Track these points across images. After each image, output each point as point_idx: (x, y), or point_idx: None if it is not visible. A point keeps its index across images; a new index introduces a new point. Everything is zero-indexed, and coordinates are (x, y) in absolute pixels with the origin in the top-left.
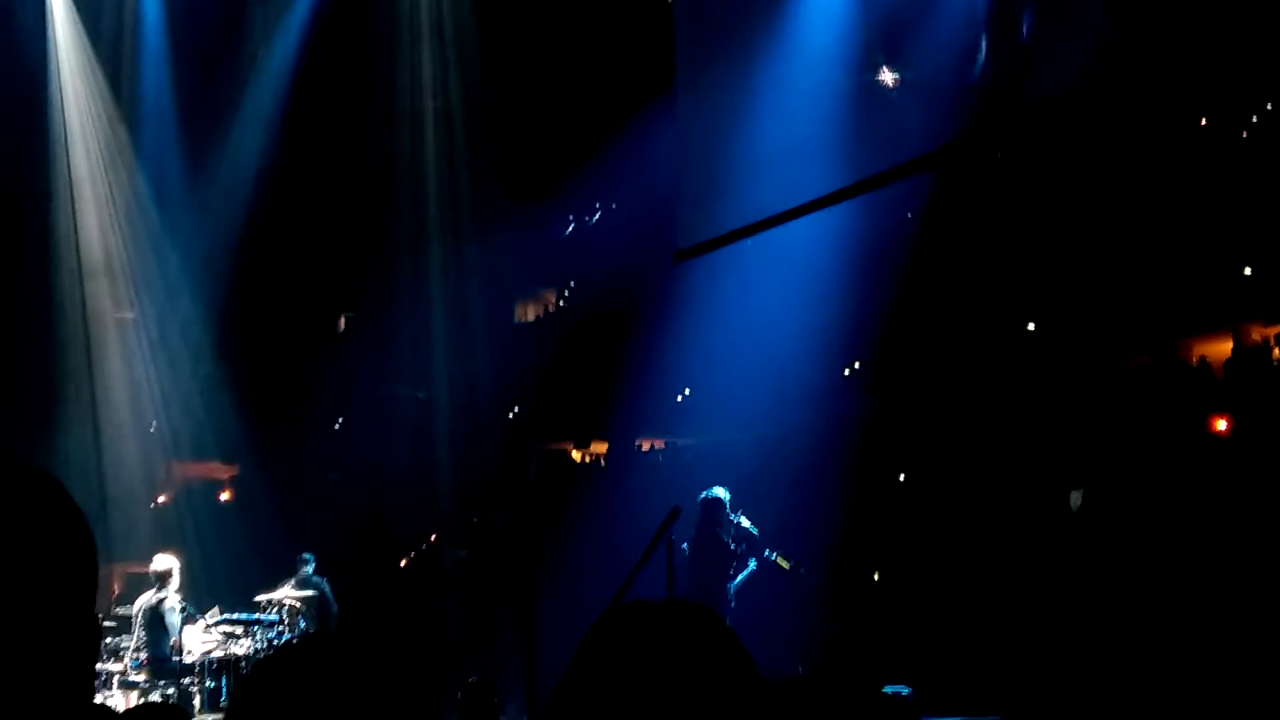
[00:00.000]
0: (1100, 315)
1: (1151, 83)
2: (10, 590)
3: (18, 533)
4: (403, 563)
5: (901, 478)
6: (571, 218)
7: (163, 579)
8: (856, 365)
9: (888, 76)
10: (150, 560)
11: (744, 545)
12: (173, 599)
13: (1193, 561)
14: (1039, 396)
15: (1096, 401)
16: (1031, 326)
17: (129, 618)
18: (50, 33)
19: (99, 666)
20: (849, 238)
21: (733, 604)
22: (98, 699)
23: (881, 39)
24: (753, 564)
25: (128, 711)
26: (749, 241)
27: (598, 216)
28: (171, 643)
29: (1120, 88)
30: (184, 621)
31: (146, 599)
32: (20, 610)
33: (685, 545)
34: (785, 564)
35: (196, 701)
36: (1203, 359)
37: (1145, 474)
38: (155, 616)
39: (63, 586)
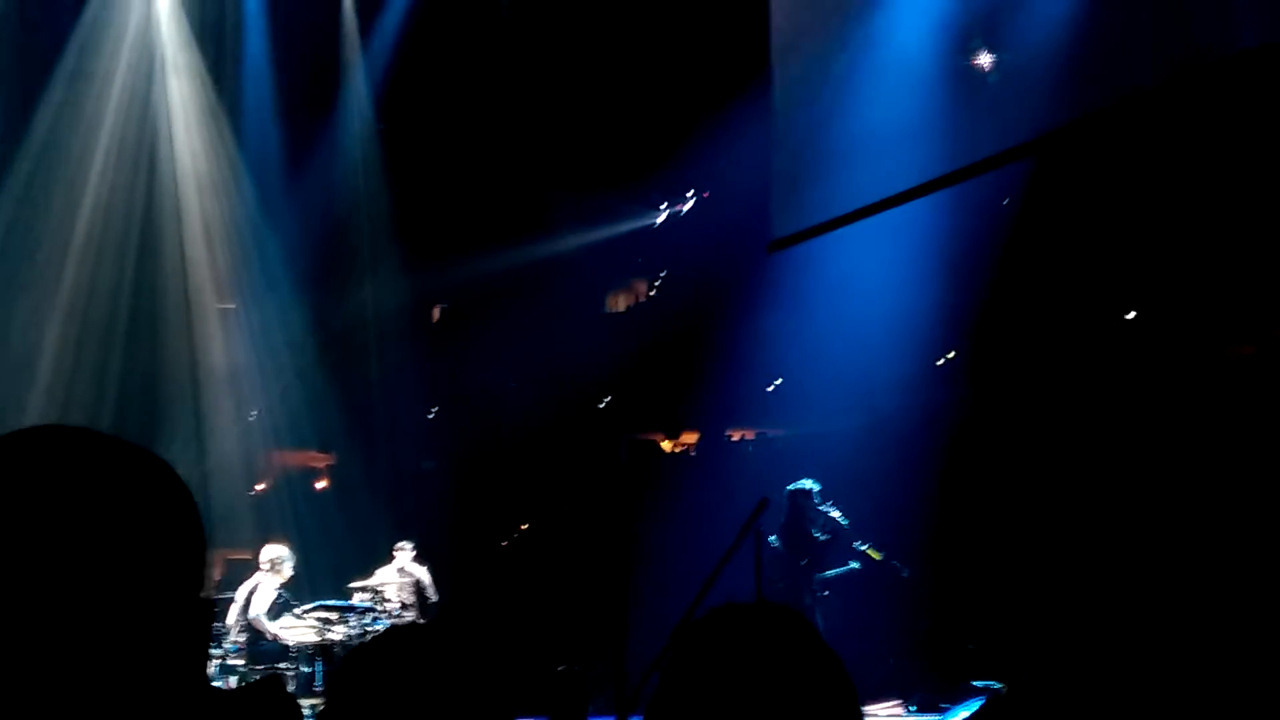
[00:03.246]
0: (1201, 303)
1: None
2: (122, 570)
3: (127, 513)
4: (497, 551)
5: (995, 468)
6: (663, 207)
7: (271, 566)
8: (951, 355)
9: (985, 60)
10: (252, 546)
11: (832, 536)
12: (270, 587)
13: None
14: (1138, 386)
15: (1198, 392)
16: (1131, 315)
17: (229, 602)
18: (155, 23)
19: None
20: (943, 226)
21: (822, 594)
22: None
23: (980, 20)
24: (854, 565)
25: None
26: (841, 230)
27: (690, 205)
28: (266, 628)
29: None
30: (281, 609)
31: (247, 585)
32: (132, 590)
33: (773, 537)
34: (877, 555)
35: (291, 687)
36: None
37: (1249, 466)
38: (252, 603)
39: (173, 566)
